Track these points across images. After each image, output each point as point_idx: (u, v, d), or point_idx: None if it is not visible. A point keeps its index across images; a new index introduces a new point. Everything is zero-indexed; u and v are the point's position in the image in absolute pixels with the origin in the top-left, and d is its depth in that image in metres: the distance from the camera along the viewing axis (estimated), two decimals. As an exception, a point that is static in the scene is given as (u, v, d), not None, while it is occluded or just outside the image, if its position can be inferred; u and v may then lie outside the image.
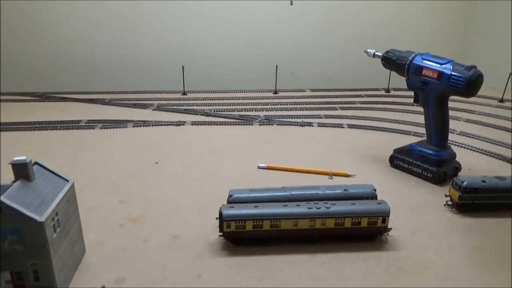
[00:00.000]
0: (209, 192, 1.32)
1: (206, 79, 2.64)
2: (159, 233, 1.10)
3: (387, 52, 1.52)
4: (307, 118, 2.09)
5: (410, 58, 1.43)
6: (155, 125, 1.95)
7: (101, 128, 1.90)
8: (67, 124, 1.92)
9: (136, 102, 2.31)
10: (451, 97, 1.42)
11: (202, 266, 0.97)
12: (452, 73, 1.32)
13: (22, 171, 0.85)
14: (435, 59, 1.38)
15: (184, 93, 2.51)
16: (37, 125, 1.90)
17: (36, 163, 0.91)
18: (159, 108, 2.23)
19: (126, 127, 1.92)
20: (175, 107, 2.25)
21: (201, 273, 0.95)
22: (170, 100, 2.37)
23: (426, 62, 1.40)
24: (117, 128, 1.91)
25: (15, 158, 0.85)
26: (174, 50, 2.63)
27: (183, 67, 2.45)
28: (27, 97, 2.37)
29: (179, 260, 0.99)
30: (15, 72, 2.52)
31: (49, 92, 2.44)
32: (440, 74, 1.34)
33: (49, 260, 0.81)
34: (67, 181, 0.94)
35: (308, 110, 2.23)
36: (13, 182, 0.85)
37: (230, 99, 2.39)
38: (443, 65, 1.35)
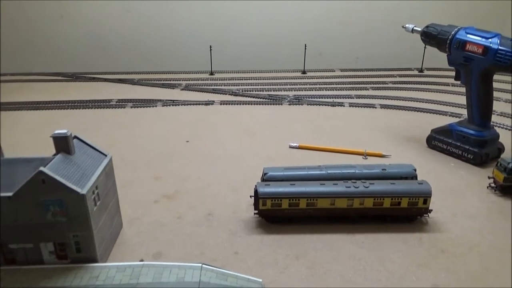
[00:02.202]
0: (242, 171, 1.31)
1: (233, 59, 2.61)
2: (193, 210, 1.10)
3: (427, 26, 1.44)
4: (337, 98, 2.03)
5: (453, 32, 1.35)
6: (184, 105, 1.95)
7: (131, 107, 1.91)
8: (99, 103, 1.94)
9: (165, 82, 2.31)
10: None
11: (238, 243, 0.96)
12: (500, 47, 1.24)
13: (63, 144, 0.86)
14: (480, 33, 1.30)
15: (211, 73, 2.49)
16: (70, 104, 1.93)
17: (75, 137, 0.91)
18: (187, 87, 2.22)
19: (156, 106, 1.92)
20: (203, 86, 2.23)
21: (237, 250, 0.94)
22: (198, 80, 2.36)
23: (471, 36, 1.32)
24: (147, 107, 1.91)
25: (56, 131, 0.86)
26: (201, 30, 2.60)
27: (210, 47, 2.43)
28: (58, 77, 2.41)
29: (215, 236, 0.99)
30: (46, 53, 2.56)
31: (79, 73, 2.47)
32: (486, 48, 1.27)
33: (91, 232, 0.82)
34: (106, 155, 0.94)
35: (338, 90, 2.18)
36: (54, 155, 0.86)
37: (258, 79, 2.36)
38: (489, 39, 1.27)
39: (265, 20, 2.59)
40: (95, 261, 0.84)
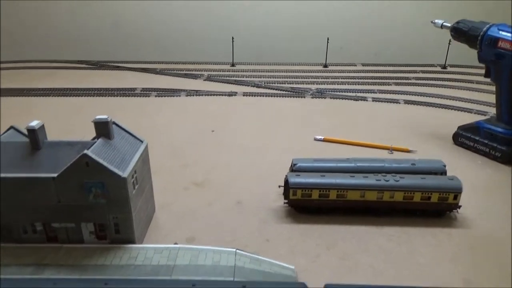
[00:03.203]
0: (267, 162, 1.32)
1: (255, 51, 2.61)
2: (223, 198, 1.12)
3: (457, 22, 1.43)
4: (360, 92, 2.03)
5: (484, 29, 1.34)
6: (207, 95, 1.96)
7: (156, 96, 1.93)
8: (124, 91, 1.96)
9: (187, 72, 2.33)
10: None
11: (268, 231, 0.98)
12: (534, 45, 1.22)
13: (103, 129, 0.88)
14: (514, 30, 1.29)
15: (232, 65, 2.50)
16: (96, 92, 1.96)
17: (113, 123, 0.94)
18: (209, 78, 2.23)
19: (180, 96, 1.94)
20: (225, 78, 2.25)
21: (268, 238, 0.96)
22: (220, 71, 2.37)
23: (503, 33, 1.30)
24: (171, 96, 1.93)
25: (98, 117, 0.88)
26: (223, 21, 2.60)
27: (232, 38, 2.44)
28: (83, 65, 2.44)
29: (245, 224, 1.01)
30: (70, 41, 2.60)
31: (103, 61, 2.50)
32: (519, 46, 1.25)
33: (130, 214, 0.84)
34: (142, 141, 0.97)
35: (360, 84, 2.17)
36: (93, 139, 0.89)
37: (280, 72, 2.36)
38: (523, 37, 1.26)
39: (288, 12, 2.58)
40: (133, 242, 0.87)
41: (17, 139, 0.89)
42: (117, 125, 0.94)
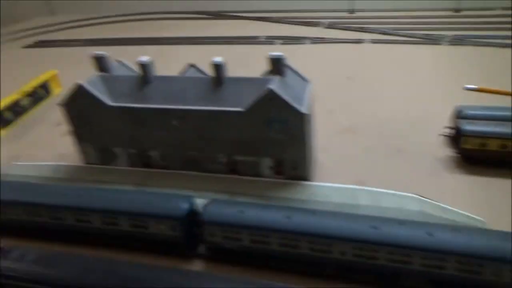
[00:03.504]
0: (417, 110, 1.23)
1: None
2: (381, 145, 1.07)
3: None
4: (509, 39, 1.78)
5: None
6: (332, 43, 1.89)
7: (281, 44, 1.91)
8: (248, 40, 1.97)
9: (306, 20, 2.25)
10: None
11: (440, 182, 0.92)
12: None
13: (278, 66, 0.88)
14: None
15: (352, 12, 2.35)
16: (222, 40, 1.99)
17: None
18: (330, 26, 2.14)
19: (305, 44, 1.89)
20: (347, 25, 2.13)
21: (441, 189, 0.90)
22: (339, 18, 2.26)
23: None
24: (296, 44, 1.90)
25: (272, 53, 0.88)
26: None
27: (353, -17, 2.28)
28: (202, 16, 2.50)
29: (413, 173, 0.96)
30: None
31: (221, 11, 2.53)
32: None
33: (306, 152, 0.85)
34: (307, 81, 0.95)
35: (505, 30, 1.90)
36: (266, 75, 0.89)
37: (405, 18, 2.17)
38: None
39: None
40: (308, 180, 0.88)
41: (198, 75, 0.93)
42: (290, 67, 0.93)
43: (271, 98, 0.80)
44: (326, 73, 1.56)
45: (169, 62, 1.79)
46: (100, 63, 0.93)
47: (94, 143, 0.95)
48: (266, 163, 0.88)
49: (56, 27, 2.51)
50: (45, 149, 1.14)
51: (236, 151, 0.87)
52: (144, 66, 0.88)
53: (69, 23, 2.56)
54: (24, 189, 0.81)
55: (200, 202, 0.74)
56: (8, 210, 0.79)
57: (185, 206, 0.72)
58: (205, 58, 1.82)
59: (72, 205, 0.76)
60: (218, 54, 1.84)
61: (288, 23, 2.24)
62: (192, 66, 0.95)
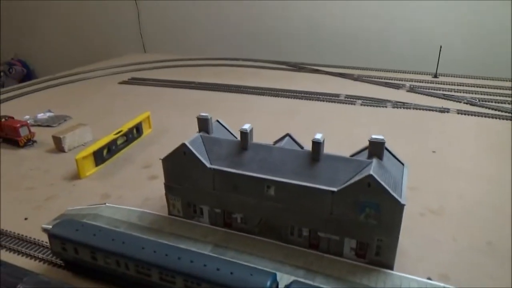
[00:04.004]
0: (509, 196, 1.15)
1: (461, 62, 2.36)
2: (467, 233, 1.01)
3: None
4: None
5: None
6: (415, 109, 1.84)
7: (361, 105, 1.91)
8: (328, 97, 2.00)
9: (387, 80, 2.24)
10: None
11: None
12: None
13: (377, 149, 0.87)
14: None
15: (435, 76, 2.30)
16: (302, 94, 2.04)
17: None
18: (412, 89, 2.10)
19: (386, 107, 1.87)
20: (429, 90, 2.08)
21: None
22: (422, 82, 2.21)
23: None
24: (376, 106, 1.88)
25: (374, 136, 0.88)
26: (430, 28, 2.43)
27: (440, 47, 2.24)
28: (283, 66, 2.59)
29: (503, 271, 0.88)
30: (272, 42, 2.79)
31: (300, 63, 2.61)
32: None
33: (396, 240, 0.82)
34: (403, 164, 0.93)
35: None
36: (368, 158, 0.88)
37: (496, 88, 2.07)
38: None
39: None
40: (390, 268, 0.84)
41: (292, 146, 0.95)
42: (386, 149, 0.92)
43: (369, 183, 0.79)
44: (409, 142, 1.52)
45: (252, 111, 1.88)
46: (203, 123, 1.00)
47: (184, 197, 1.00)
48: (350, 244, 0.86)
49: (147, 65, 2.74)
50: (133, 191, 1.22)
51: (321, 227, 0.87)
52: (244, 134, 0.92)
53: (158, 63, 2.78)
54: (115, 237, 0.86)
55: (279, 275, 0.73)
56: (99, 257, 0.84)
57: (268, 283, 0.72)
58: (286, 109, 1.89)
59: (158, 263, 0.79)
60: (298, 109, 1.91)
61: (369, 82, 2.24)
62: (288, 135, 0.98)
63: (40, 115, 1.79)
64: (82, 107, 1.97)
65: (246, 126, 0.94)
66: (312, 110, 1.88)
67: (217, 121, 1.08)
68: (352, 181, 0.80)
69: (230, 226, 0.98)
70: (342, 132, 1.60)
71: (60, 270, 0.91)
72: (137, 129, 1.55)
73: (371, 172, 0.78)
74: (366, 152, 0.92)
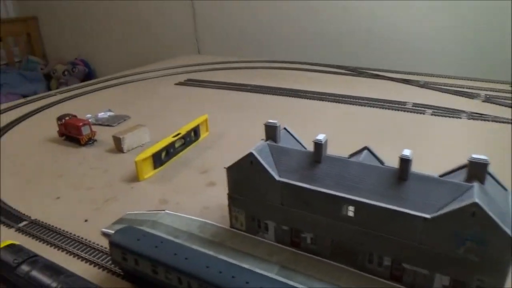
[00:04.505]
0: None
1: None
2: None
3: None
4: None
5: None
6: (494, 121, 1.66)
7: (431, 115, 1.75)
8: (394, 104, 1.86)
9: (457, 89, 2.05)
10: None
11: None
12: None
13: (479, 171, 0.75)
14: None
15: (514, 85, 2.08)
16: (365, 101, 1.91)
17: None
18: (488, 100, 1.90)
19: (460, 118, 1.70)
20: (508, 101, 1.87)
21: None
22: (498, 91, 2.00)
23: None
24: (449, 117, 1.71)
25: (474, 156, 0.75)
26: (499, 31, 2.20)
27: (522, 53, 2.02)
28: (341, 70, 2.46)
29: None
30: (331, 46, 2.67)
31: (360, 67, 2.47)
32: None
33: (501, 282, 0.69)
34: (507, 191, 0.79)
35: None
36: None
37: None
38: None
39: None
40: (491, 314, 0.72)
41: (372, 161, 0.85)
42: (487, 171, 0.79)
43: (474, 212, 0.67)
44: (493, 158, 1.35)
45: (311, 117, 1.77)
46: (271, 131, 0.92)
47: (248, 210, 0.92)
48: (441, 280, 0.74)
49: (202, 67, 2.72)
50: (190, 197, 1.17)
51: (407, 258, 0.76)
52: (318, 145, 0.83)
53: (213, 64, 2.76)
54: (178, 252, 0.80)
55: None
56: (160, 271, 0.78)
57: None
58: (348, 117, 1.77)
59: (223, 286, 0.72)
60: (361, 117, 1.78)
61: (437, 90, 2.06)
62: (366, 148, 0.88)
63: (101, 114, 1.81)
64: (140, 107, 1.97)
65: (321, 137, 0.85)
66: (379, 119, 1.74)
67: (285, 128, 0.99)
68: (450, 208, 0.69)
69: (298, 245, 0.89)
70: (418, 145, 1.45)
71: (119, 280, 0.87)
72: (195, 132, 1.50)
73: (476, 200, 0.66)
74: (460, 173, 0.80)
